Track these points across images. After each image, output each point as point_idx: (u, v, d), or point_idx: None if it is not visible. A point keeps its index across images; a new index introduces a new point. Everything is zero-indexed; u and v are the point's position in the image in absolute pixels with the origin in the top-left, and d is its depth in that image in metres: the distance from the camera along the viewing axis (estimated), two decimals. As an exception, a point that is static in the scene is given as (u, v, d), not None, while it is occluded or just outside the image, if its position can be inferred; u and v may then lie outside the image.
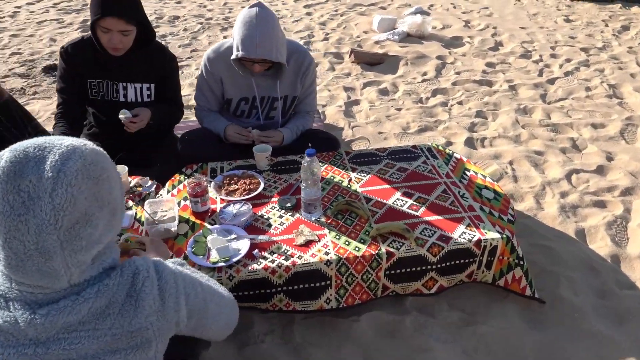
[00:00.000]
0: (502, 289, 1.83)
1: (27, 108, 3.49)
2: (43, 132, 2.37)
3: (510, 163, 2.85)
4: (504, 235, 1.75)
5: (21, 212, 0.79)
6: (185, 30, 5.55)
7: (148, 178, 2.07)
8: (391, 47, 4.82)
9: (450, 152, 2.32)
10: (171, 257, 1.63)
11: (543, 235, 2.24)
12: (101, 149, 0.93)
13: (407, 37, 5.09)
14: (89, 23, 2.04)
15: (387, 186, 2.02)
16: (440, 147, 2.35)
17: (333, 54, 4.65)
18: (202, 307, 1.07)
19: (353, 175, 2.10)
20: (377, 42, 4.96)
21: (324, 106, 3.57)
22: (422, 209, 1.87)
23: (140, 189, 1.99)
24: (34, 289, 0.86)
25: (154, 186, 2.02)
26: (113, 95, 2.25)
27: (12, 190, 0.79)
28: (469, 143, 3.07)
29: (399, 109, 3.55)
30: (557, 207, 2.44)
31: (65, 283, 0.86)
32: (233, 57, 2.04)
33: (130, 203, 1.90)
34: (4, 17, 6.05)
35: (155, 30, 5.49)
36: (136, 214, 1.83)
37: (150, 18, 5.89)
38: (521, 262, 1.77)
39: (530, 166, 2.81)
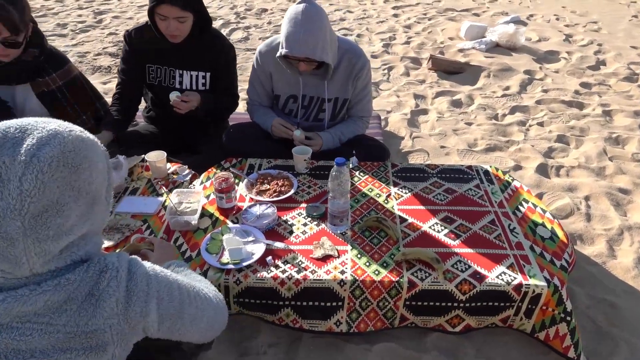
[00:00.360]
0: (542, 343, 1.59)
1: (109, 85, 3.72)
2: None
3: (586, 199, 2.50)
4: (552, 284, 1.51)
5: None
6: (269, 23, 5.63)
7: (186, 166, 2.07)
8: (475, 56, 4.51)
9: (510, 178, 2.07)
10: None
11: (609, 288, 1.93)
12: (90, 137, 0.89)
13: (496, 48, 4.74)
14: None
15: (428, 207, 1.84)
16: (500, 172, 2.11)
17: (411, 59, 4.45)
18: (177, 311, 1.01)
19: (393, 190, 1.94)
20: (460, 50, 4.67)
21: (388, 112, 3.41)
22: (461, 238, 1.68)
23: (175, 176, 1.99)
24: None
25: (190, 175, 2.01)
26: (169, 82, 2.29)
27: None
28: (542, 170, 2.75)
29: (469, 124, 3.29)
30: (634, 257, 2.09)
31: (27, 271, 0.83)
32: (278, 54, 1.98)
33: (163, 190, 1.91)
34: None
35: (241, 21, 5.67)
36: (165, 201, 1.83)
37: (239, 9, 6.07)
38: (568, 318, 1.52)
39: (610, 205, 2.45)
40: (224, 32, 5.24)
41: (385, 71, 4.17)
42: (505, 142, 3.05)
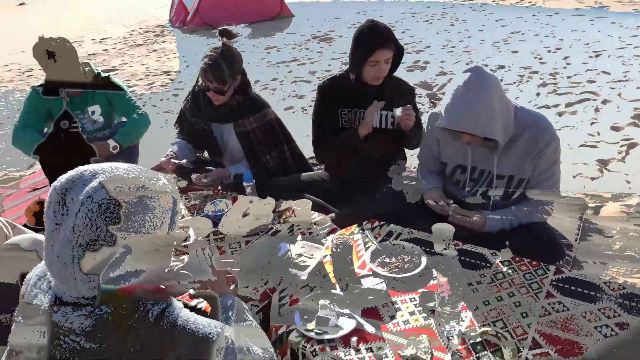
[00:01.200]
0: None
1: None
2: (300, 155, 2.75)
3: None
4: None
5: (59, 221, 0.95)
6: (501, 80, 5.28)
7: (329, 218, 2.10)
8: None
9: None
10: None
11: None
12: (158, 184, 1.01)
13: None
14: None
15: (577, 339, 1.39)
16: None
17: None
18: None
19: (542, 303, 1.54)
20: None
21: (612, 195, 2.75)
22: (611, 399, 1.21)
23: (315, 226, 2.05)
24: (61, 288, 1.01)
25: (329, 229, 2.04)
26: (359, 123, 2.40)
27: (60, 202, 0.96)
28: None
29: None
30: None
31: (77, 293, 0.98)
32: (437, 124, 1.84)
33: (299, 237, 1.99)
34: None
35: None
36: (291, 248, 1.90)
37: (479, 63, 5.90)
38: None
39: None
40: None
41: (623, 148, 3.39)
42: None
